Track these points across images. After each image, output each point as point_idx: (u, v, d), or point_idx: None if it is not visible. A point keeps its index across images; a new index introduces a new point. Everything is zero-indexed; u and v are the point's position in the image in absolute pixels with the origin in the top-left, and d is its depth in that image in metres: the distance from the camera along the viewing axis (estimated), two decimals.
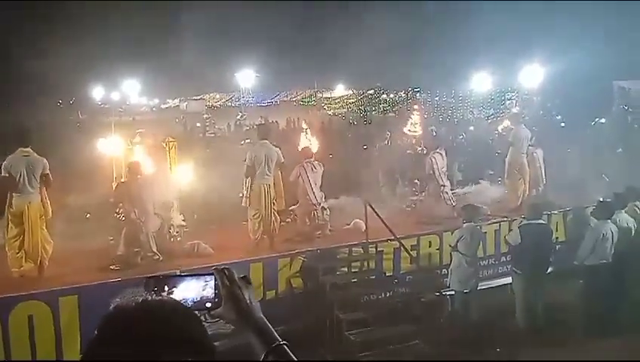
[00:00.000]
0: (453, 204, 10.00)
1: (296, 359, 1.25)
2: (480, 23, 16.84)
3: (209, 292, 1.27)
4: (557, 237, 9.52)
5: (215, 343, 1.05)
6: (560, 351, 6.92)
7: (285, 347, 1.25)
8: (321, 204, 9.17)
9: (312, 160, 9.34)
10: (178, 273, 1.30)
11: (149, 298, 1.04)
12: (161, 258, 7.85)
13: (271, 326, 1.28)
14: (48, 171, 7.28)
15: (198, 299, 1.26)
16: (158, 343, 0.95)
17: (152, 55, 22.30)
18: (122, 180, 8.87)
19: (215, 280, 1.28)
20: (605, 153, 12.36)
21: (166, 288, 1.24)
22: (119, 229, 8.20)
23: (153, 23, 20.33)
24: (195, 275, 1.29)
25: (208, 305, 1.26)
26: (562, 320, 7.82)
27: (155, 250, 7.90)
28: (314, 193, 9.06)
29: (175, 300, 1.09)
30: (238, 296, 1.28)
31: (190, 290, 1.26)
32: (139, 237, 7.84)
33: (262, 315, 1.29)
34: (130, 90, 26.45)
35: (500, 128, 14.53)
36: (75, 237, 8.02)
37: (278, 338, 1.26)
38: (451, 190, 10.52)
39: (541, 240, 7.89)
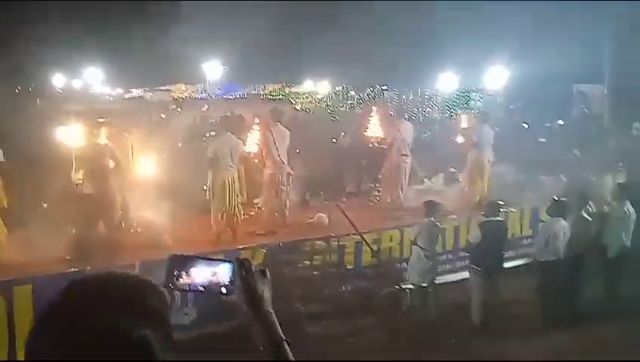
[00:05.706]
0: (414, 200, 10.15)
1: (293, 358, 1.31)
2: (445, 23, 17.11)
3: (226, 278, 1.32)
4: (513, 233, 9.83)
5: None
6: (512, 343, 7.17)
7: (286, 344, 1.32)
8: (287, 170, 9.10)
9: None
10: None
11: (117, 271, 1.06)
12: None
13: (277, 322, 1.34)
14: (3, 159, 7.08)
15: (215, 282, 1.32)
16: (116, 311, 0.97)
17: (116, 43, 21.83)
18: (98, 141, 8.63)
19: (233, 269, 1.33)
20: (563, 154, 12.74)
21: (186, 266, 1.30)
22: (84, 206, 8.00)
23: (118, 9, 19.90)
24: (215, 260, 1.35)
25: (223, 290, 1.32)
26: (515, 313, 8.08)
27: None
28: (279, 156, 8.97)
29: (140, 276, 1.09)
30: (252, 287, 1.33)
31: (208, 273, 1.31)
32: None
33: (271, 309, 1.35)
34: (92, 78, 25.78)
35: (464, 127, 14.78)
36: (31, 226, 7.82)
37: (281, 335, 1.33)
38: (413, 186, 10.68)
39: (498, 237, 8.11)
